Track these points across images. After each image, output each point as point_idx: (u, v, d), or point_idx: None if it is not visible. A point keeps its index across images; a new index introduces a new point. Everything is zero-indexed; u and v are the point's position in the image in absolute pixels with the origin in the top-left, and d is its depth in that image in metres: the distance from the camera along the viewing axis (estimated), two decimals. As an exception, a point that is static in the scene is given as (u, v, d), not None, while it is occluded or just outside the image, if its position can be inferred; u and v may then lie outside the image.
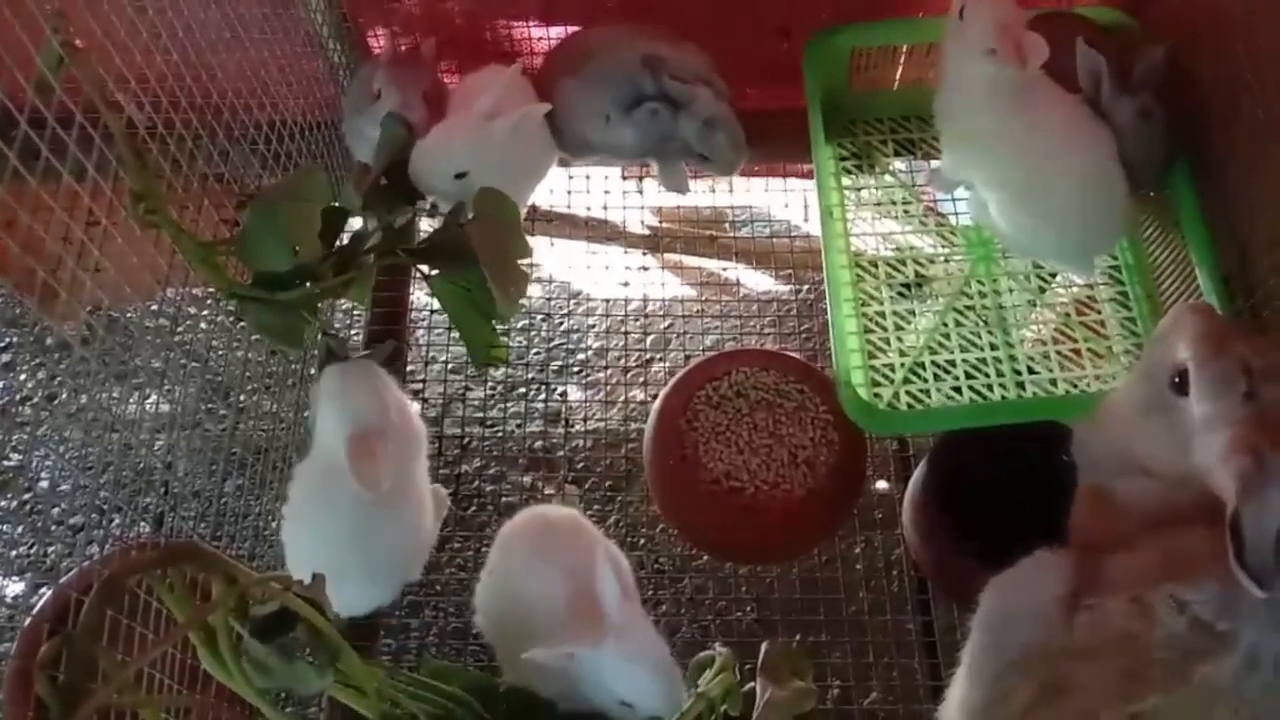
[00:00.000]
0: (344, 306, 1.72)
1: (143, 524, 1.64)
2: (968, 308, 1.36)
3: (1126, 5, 1.43)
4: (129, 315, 1.48)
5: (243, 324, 1.52)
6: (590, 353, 1.94)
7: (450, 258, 1.07)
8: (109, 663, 0.69)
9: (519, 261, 1.14)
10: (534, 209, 1.63)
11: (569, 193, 1.68)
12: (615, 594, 1.00)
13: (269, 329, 0.97)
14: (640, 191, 1.74)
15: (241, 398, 1.79)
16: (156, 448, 1.66)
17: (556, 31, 1.58)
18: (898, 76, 1.50)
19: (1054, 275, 1.39)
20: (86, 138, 0.83)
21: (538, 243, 1.84)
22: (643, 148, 1.42)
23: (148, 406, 1.62)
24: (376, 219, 1.04)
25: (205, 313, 1.74)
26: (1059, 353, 1.31)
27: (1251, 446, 0.82)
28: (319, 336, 1.05)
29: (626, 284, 1.84)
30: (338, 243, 1.02)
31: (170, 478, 1.53)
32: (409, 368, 1.60)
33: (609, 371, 1.86)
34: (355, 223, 1.15)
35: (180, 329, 1.76)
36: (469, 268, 1.06)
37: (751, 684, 1.05)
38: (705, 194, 1.83)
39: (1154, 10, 1.39)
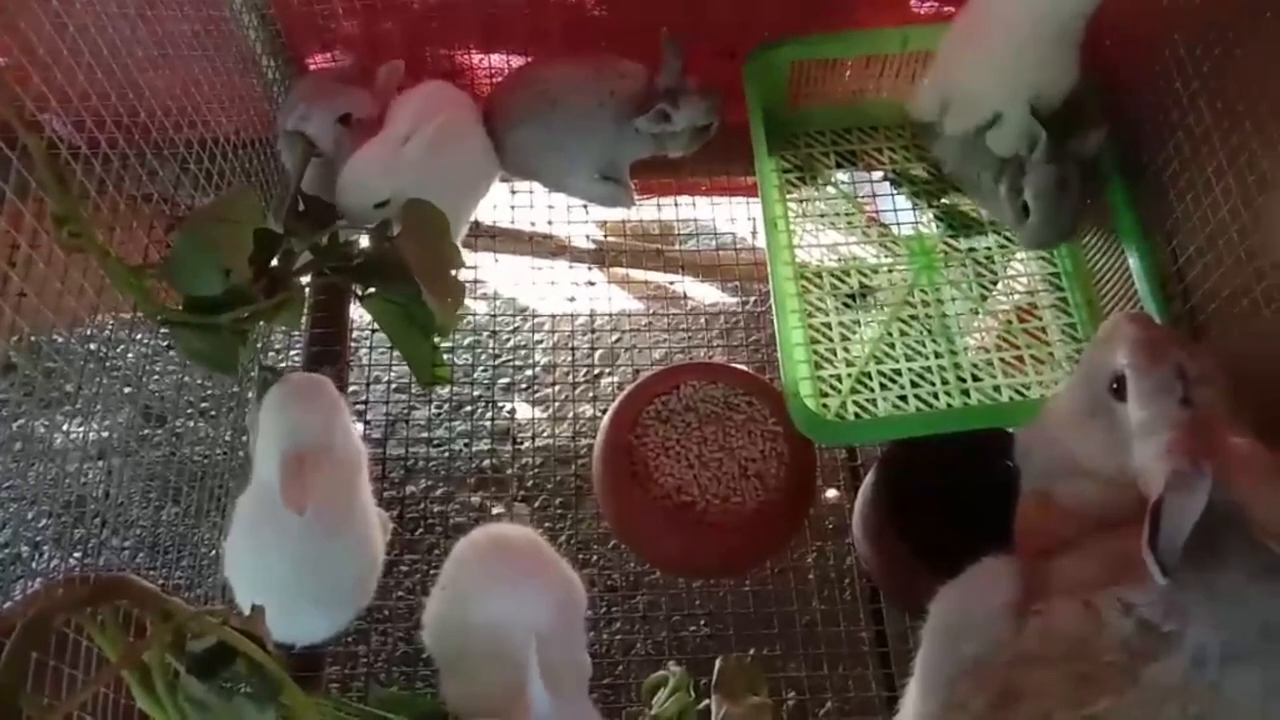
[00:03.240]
0: (282, 327, 1.69)
1: (75, 556, 1.59)
2: (912, 317, 1.37)
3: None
4: (58, 341, 1.43)
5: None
6: (538, 369, 1.92)
7: (383, 275, 1.05)
8: (34, 709, 0.66)
9: (453, 272, 1.12)
10: (477, 225, 1.61)
11: (512, 208, 1.66)
12: (540, 694, 0.95)
13: (201, 355, 0.94)
14: (585, 207, 1.73)
15: (178, 423, 1.74)
16: (89, 477, 1.62)
17: (498, 57, 1.57)
18: (839, 89, 1.51)
19: (995, 283, 1.41)
20: (4, 160, 0.80)
21: (482, 259, 1.83)
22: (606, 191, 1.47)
23: (79, 434, 1.57)
24: (303, 240, 1.02)
25: (139, 337, 1.69)
26: (1002, 360, 1.33)
27: (1186, 449, 0.84)
28: (257, 369, 1.02)
29: (573, 299, 1.82)
30: (271, 264, 0.99)
31: (103, 508, 1.48)
32: (351, 388, 1.57)
33: (557, 387, 1.85)
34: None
35: (112, 354, 1.71)
36: (403, 283, 1.04)
37: (707, 701, 1.04)
38: (651, 209, 1.83)
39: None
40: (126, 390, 1.58)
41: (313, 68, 1.55)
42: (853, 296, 1.40)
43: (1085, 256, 1.39)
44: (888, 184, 1.49)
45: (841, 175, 1.51)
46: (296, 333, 1.61)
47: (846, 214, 1.48)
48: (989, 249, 1.43)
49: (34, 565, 1.43)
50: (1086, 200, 1.33)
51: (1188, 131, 1.21)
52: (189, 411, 1.57)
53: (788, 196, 1.46)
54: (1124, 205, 1.29)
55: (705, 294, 2.01)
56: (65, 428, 1.55)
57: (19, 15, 0.92)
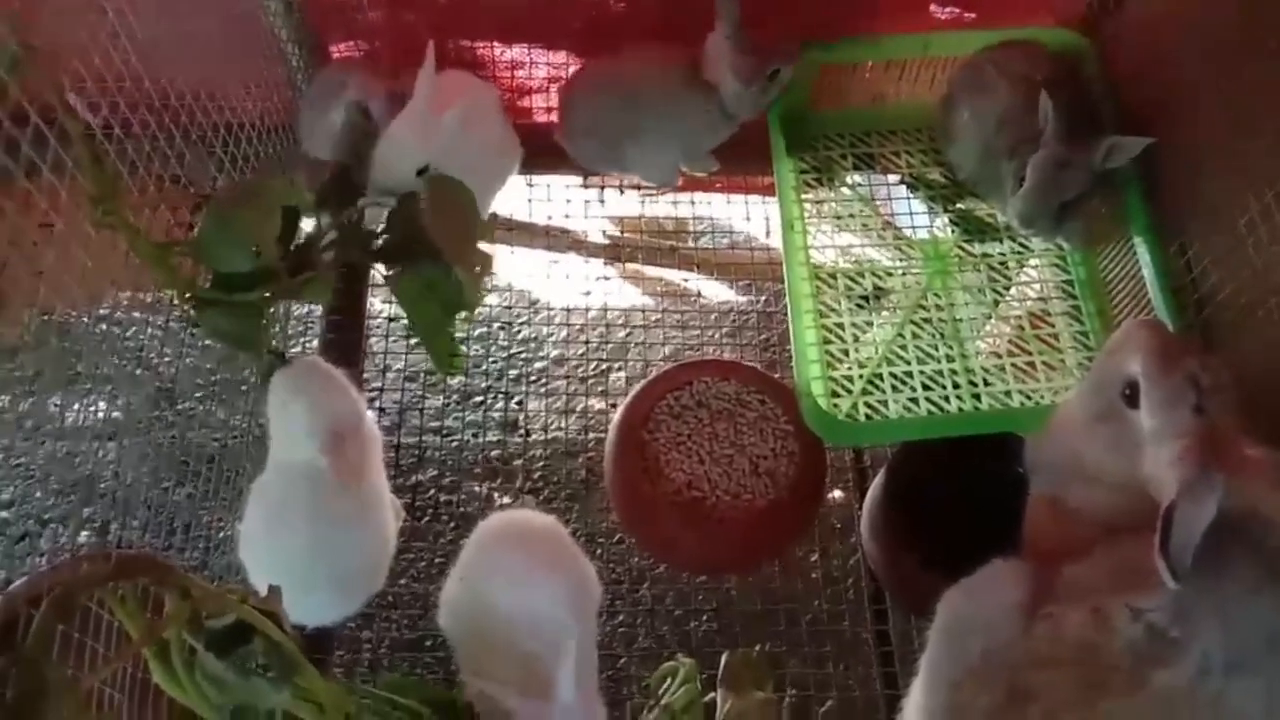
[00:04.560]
0: (298, 313, 1.70)
1: (87, 533, 1.60)
2: (924, 320, 1.38)
3: (1079, 27, 1.47)
4: (73, 320, 1.44)
5: (193, 330, 1.49)
6: (549, 361, 1.93)
7: (409, 252, 1.05)
8: (60, 679, 0.67)
9: (477, 244, 1.12)
10: (494, 217, 1.62)
11: (529, 201, 1.67)
12: (570, 684, 0.98)
13: (227, 333, 0.95)
14: (602, 201, 1.74)
15: (191, 404, 1.75)
16: (104, 456, 1.63)
17: (519, 50, 1.58)
18: (859, 93, 1.52)
19: (1008, 289, 1.41)
20: (41, 139, 0.81)
21: (498, 251, 1.84)
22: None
23: (95, 413, 1.59)
24: (331, 216, 1.02)
25: (155, 318, 1.70)
26: (1014, 365, 1.34)
27: (1198, 457, 0.85)
28: (264, 353, 1.03)
29: (588, 293, 1.83)
30: (293, 244, 1.00)
31: (118, 486, 1.49)
32: (364, 376, 1.58)
33: (567, 381, 1.85)
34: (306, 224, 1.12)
35: (129, 334, 1.72)
36: (429, 260, 1.04)
37: (711, 694, 1.05)
38: (667, 205, 1.84)
39: (1105, 32, 1.43)
40: (141, 371, 1.59)
41: (335, 56, 1.56)
42: (866, 298, 1.41)
43: (1099, 265, 1.39)
44: (904, 188, 1.50)
45: (858, 178, 1.52)
46: (313, 320, 1.62)
47: (862, 216, 1.48)
48: (1003, 255, 1.43)
49: (52, 542, 1.44)
50: (1102, 208, 1.34)
51: (1206, 142, 1.22)
52: (201, 394, 1.58)
53: (804, 197, 1.47)
54: (1140, 213, 1.30)
55: (717, 291, 2.02)
56: (79, 406, 1.57)
57: (55, 1, 0.93)
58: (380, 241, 1.05)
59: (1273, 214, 1.09)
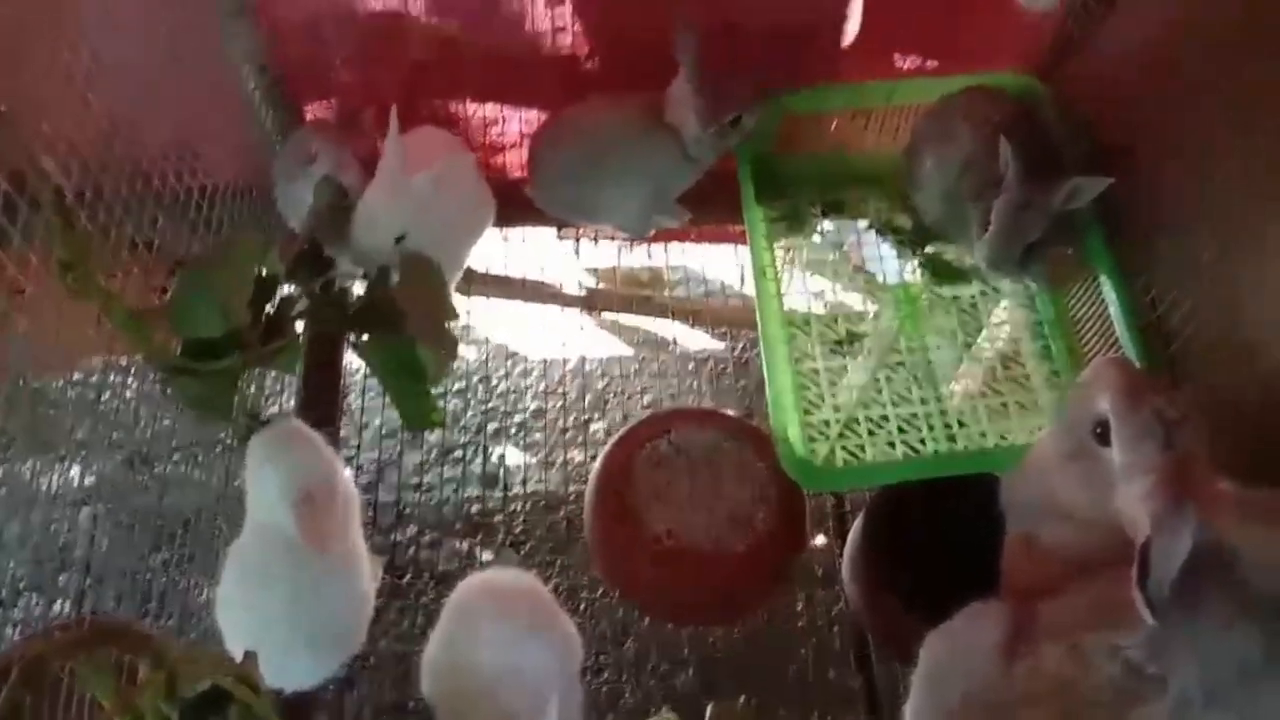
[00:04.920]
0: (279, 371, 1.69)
1: (62, 602, 1.58)
2: (898, 364, 1.39)
3: (1038, 72, 1.51)
4: (47, 385, 1.43)
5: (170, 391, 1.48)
6: (528, 414, 1.94)
7: (378, 322, 1.06)
8: (29, 752, 0.66)
9: (448, 324, 1.14)
10: (470, 271, 1.63)
11: (505, 255, 1.68)
12: None
13: (196, 400, 0.95)
14: (577, 253, 1.75)
15: (168, 468, 1.73)
16: (79, 523, 1.61)
17: (492, 106, 1.60)
18: (825, 140, 1.55)
19: (979, 331, 1.43)
20: (11, 205, 0.81)
21: (474, 304, 1.85)
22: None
23: (70, 479, 1.57)
24: (302, 285, 1.03)
25: (131, 380, 1.69)
26: (987, 406, 1.35)
27: (1170, 492, 0.86)
28: (238, 414, 1.03)
29: (564, 344, 1.84)
30: (267, 310, 1.01)
31: (93, 553, 1.47)
32: (341, 433, 1.58)
33: (547, 433, 1.85)
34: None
35: (104, 398, 1.71)
36: (397, 332, 1.05)
37: (698, 747, 1.04)
38: (641, 255, 1.86)
39: (1063, 76, 1.46)
40: (116, 435, 1.58)
41: (309, 115, 1.57)
42: (840, 343, 1.42)
43: (1066, 305, 1.41)
44: (873, 233, 1.52)
45: (828, 224, 1.54)
46: (290, 376, 1.61)
47: (833, 262, 1.50)
48: (973, 297, 1.45)
49: (25, 612, 1.41)
50: (1068, 248, 1.36)
51: (1166, 181, 1.24)
52: (177, 456, 1.56)
53: (776, 244, 1.49)
54: (1103, 253, 1.32)
55: (694, 340, 2.03)
56: (52, 472, 1.55)
57: (26, 64, 0.94)
58: (353, 308, 1.06)
59: (1231, 251, 1.12)
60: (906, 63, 1.60)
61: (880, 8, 1.49)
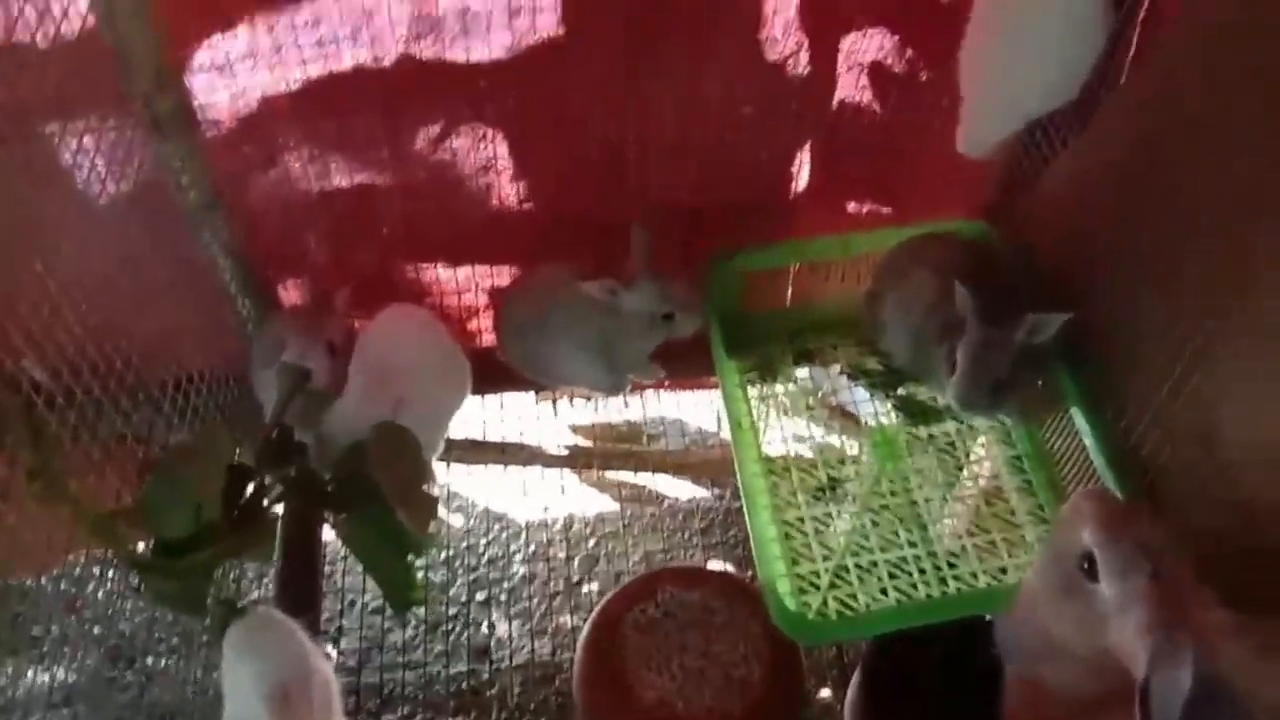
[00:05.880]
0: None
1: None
2: (883, 507, 1.38)
3: (987, 213, 1.56)
4: (23, 585, 1.40)
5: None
6: (516, 579, 1.90)
7: (354, 499, 1.06)
8: None
9: (424, 488, 1.13)
10: (449, 440, 1.63)
11: (483, 421, 1.69)
12: None
13: (168, 596, 0.93)
14: (555, 413, 1.77)
15: (149, 661, 1.68)
16: (53, 727, 1.54)
17: (464, 272, 1.64)
18: (789, 293, 1.59)
19: (960, 469, 1.43)
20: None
21: (455, 472, 1.84)
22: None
23: (49, 679, 1.51)
24: (274, 473, 1.03)
25: (110, 572, 1.66)
26: (976, 545, 1.34)
27: (1162, 623, 0.85)
28: (213, 605, 1.01)
29: (546, 509, 1.83)
30: (239, 502, 1.00)
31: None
32: (325, 614, 1.54)
33: (536, 599, 1.82)
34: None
35: (85, 593, 1.67)
36: (375, 505, 1.05)
37: None
38: (619, 409, 1.87)
39: (1010, 216, 1.52)
40: (96, 630, 1.54)
41: (284, 297, 1.60)
42: (822, 489, 1.42)
43: (1043, 438, 1.42)
44: (845, 378, 1.54)
45: (801, 372, 1.56)
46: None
47: (809, 408, 1.52)
48: (949, 435, 1.46)
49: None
50: (1038, 382, 1.37)
51: (1124, 309, 1.27)
52: (159, 650, 1.52)
53: (751, 393, 1.51)
54: (1072, 385, 1.34)
55: (680, 491, 2.02)
56: (33, 673, 1.49)
57: (2, 276, 0.96)
58: (328, 488, 1.06)
59: (1194, 373, 1.13)
60: (862, 211, 1.67)
61: (829, 163, 1.56)
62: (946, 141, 1.39)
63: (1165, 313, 1.19)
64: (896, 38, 1.43)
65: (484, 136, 1.45)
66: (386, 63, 1.32)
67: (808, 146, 1.54)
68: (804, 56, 1.40)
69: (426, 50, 1.32)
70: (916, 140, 1.53)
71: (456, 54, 1.33)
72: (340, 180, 1.46)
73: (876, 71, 1.46)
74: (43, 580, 1.49)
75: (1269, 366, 1.03)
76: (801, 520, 1.37)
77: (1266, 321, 1.04)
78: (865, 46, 1.44)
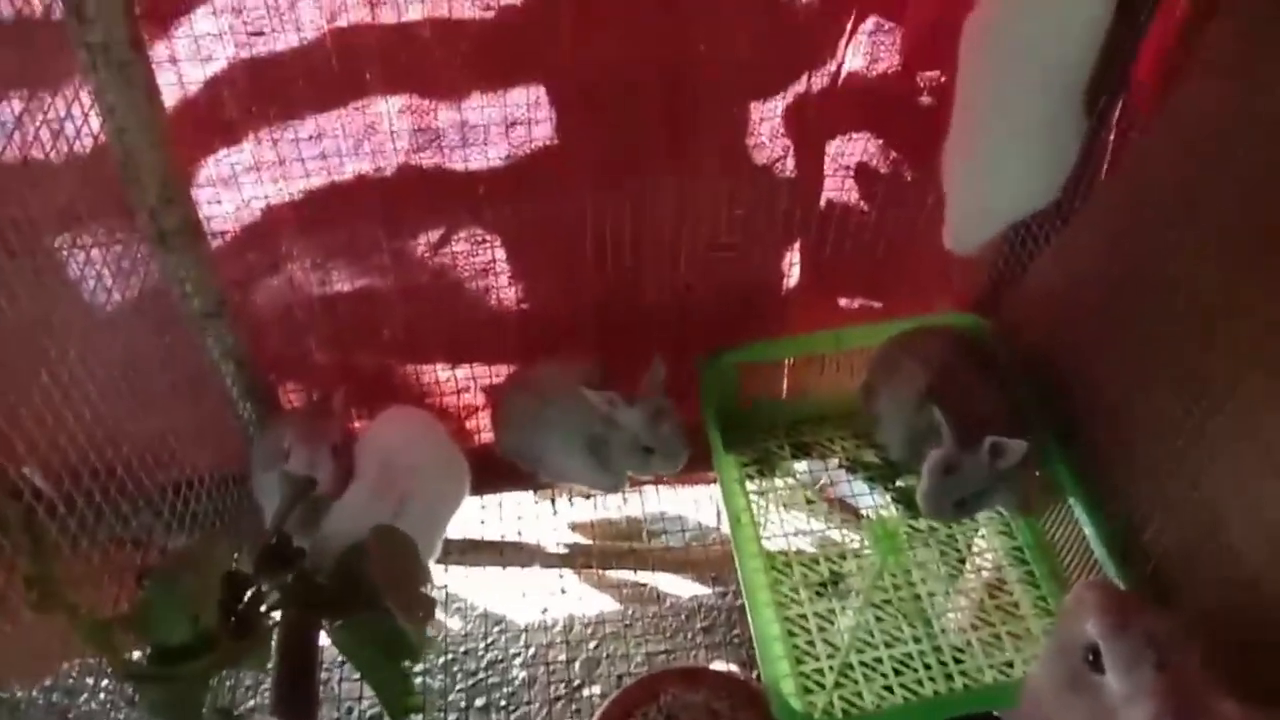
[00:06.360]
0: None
1: None
2: (885, 602, 1.37)
3: (977, 306, 1.59)
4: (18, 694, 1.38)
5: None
6: (517, 684, 1.86)
7: (352, 604, 1.05)
8: None
9: (422, 589, 1.12)
10: (447, 541, 1.63)
11: (482, 521, 1.68)
12: None
13: (165, 707, 0.92)
14: (554, 511, 1.76)
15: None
16: None
17: (463, 372, 1.66)
18: (784, 386, 1.60)
19: (962, 561, 1.42)
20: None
21: (453, 574, 1.82)
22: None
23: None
24: (271, 580, 1.03)
25: (103, 684, 1.63)
26: (980, 640, 1.32)
27: (1170, 715, 0.85)
28: (209, 714, 1.00)
29: (546, 609, 1.81)
30: (236, 609, 1.00)
31: None
32: (323, 723, 1.50)
33: (537, 705, 1.78)
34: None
35: (80, 701, 1.63)
36: (372, 609, 1.04)
37: None
38: (619, 506, 1.86)
39: (1001, 314, 1.54)
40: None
41: (285, 399, 1.62)
42: (825, 584, 1.41)
43: (1044, 528, 1.42)
44: (843, 471, 1.54)
45: (799, 465, 1.57)
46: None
47: (808, 502, 1.52)
48: (950, 528, 1.46)
49: None
50: (1035, 474, 1.38)
51: (1116, 397, 1.28)
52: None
53: (750, 488, 1.51)
54: (1068, 476, 1.34)
55: (682, 589, 2.00)
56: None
57: (8, 387, 0.98)
58: (325, 594, 1.05)
59: (1188, 458, 1.14)
60: (854, 305, 1.70)
61: (820, 260, 1.60)
62: (934, 237, 1.42)
63: (1156, 400, 1.21)
64: (880, 140, 1.48)
65: (483, 240, 1.49)
66: (388, 173, 1.37)
67: (798, 244, 1.58)
68: (791, 160, 1.45)
69: (427, 160, 1.37)
70: (905, 237, 1.57)
71: (455, 163, 1.38)
72: (342, 285, 1.49)
73: (862, 172, 1.51)
74: (34, 692, 1.47)
75: (1261, 449, 1.04)
76: (804, 617, 1.36)
77: (1255, 406, 1.05)
78: (850, 149, 1.49)
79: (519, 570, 1.85)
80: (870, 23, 1.35)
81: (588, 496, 1.72)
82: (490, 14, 1.23)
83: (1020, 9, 1.18)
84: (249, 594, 1.03)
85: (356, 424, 1.63)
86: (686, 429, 1.42)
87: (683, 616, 1.94)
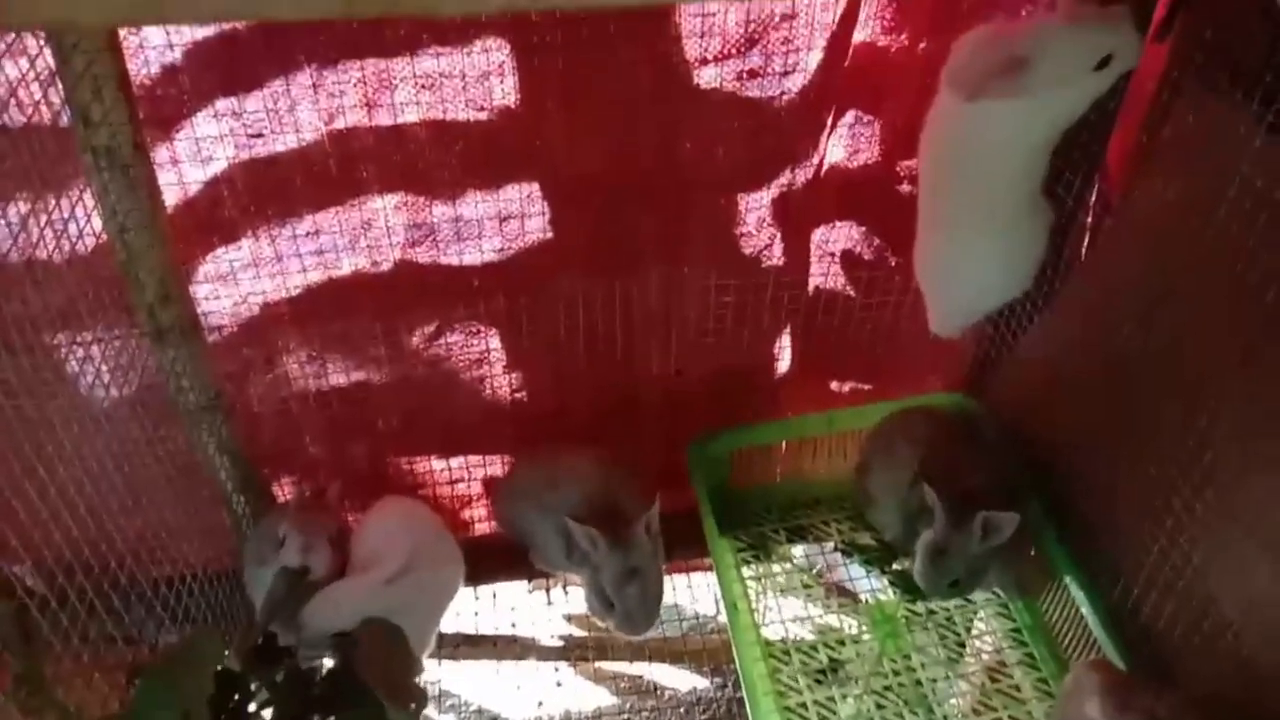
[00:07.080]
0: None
1: None
2: (886, 688, 1.35)
3: (964, 386, 1.61)
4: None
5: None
6: (512, 783, 1.82)
7: (343, 699, 1.04)
8: None
9: (413, 680, 1.11)
10: (440, 635, 1.60)
11: (475, 613, 1.67)
12: None
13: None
14: (549, 602, 1.74)
15: None
16: None
17: (458, 462, 1.66)
18: (778, 470, 1.61)
19: (962, 644, 1.41)
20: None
21: (447, 669, 1.79)
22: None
23: None
24: (260, 678, 1.02)
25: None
26: (983, 725, 1.30)
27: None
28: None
29: (541, 703, 1.77)
30: (230, 703, 0.98)
31: None
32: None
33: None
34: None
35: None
36: (363, 703, 1.02)
37: None
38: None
39: (989, 393, 1.56)
40: None
41: (278, 493, 1.61)
42: (824, 672, 1.39)
43: (1042, 609, 1.41)
44: (840, 554, 1.54)
45: (795, 549, 1.56)
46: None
47: (805, 587, 1.51)
48: (948, 610, 1.45)
49: None
50: (1030, 554, 1.37)
51: (1106, 473, 1.29)
52: None
53: (746, 574, 1.50)
54: (1062, 556, 1.34)
55: (680, 680, 1.97)
56: None
57: (3, 482, 0.98)
58: (316, 691, 1.04)
59: (1179, 536, 1.14)
60: (845, 389, 1.71)
61: (809, 344, 1.62)
62: (920, 320, 1.45)
63: (1143, 479, 1.21)
64: (863, 228, 1.52)
65: (477, 331, 1.51)
66: (383, 267, 1.39)
67: (787, 330, 1.61)
68: (778, 249, 1.49)
69: (422, 255, 1.40)
70: (891, 320, 1.60)
71: (450, 257, 1.41)
72: (337, 378, 1.51)
73: (848, 259, 1.55)
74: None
75: (1245, 527, 1.05)
76: (805, 706, 1.34)
77: (1236, 483, 1.06)
78: (835, 236, 1.53)
79: (514, 664, 1.82)
80: (850, 116, 1.40)
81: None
82: (484, 115, 1.28)
83: (965, 119, 1.18)
84: (239, 693, 1.02)
85: (351, 518, 1.63)
86: (657, 597, 1.37)
87: (681, 709, 1.91)
